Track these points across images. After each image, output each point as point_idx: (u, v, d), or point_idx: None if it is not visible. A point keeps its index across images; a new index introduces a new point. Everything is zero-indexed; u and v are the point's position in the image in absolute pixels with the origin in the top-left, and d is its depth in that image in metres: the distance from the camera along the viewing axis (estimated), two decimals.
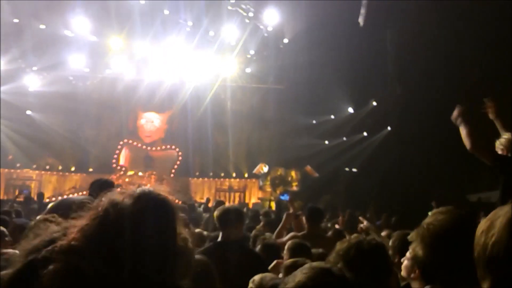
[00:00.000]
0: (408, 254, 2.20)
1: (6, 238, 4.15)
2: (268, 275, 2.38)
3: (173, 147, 18.85)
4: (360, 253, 1.93)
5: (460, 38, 12.90)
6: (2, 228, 4.28)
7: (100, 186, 4.17)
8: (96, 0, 16.01)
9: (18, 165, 17.76)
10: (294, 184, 16.43)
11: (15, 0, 15.57)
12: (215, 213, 3.72)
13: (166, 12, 16.93)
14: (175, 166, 18.60)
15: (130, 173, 17.74)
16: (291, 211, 5.48)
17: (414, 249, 1.75)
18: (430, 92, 14.60)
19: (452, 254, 1.63)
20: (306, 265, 1.28)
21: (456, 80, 13.38)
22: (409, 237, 1.87)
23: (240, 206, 11.56)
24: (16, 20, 16.39)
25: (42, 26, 16.72)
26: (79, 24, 16.39)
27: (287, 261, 3.10)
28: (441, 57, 13.76)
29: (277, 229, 5.13)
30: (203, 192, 18.08)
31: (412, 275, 2.26)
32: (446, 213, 1.75)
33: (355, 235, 2.55)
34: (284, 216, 5.32)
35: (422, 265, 1.72)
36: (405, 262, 2.09)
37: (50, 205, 4.17)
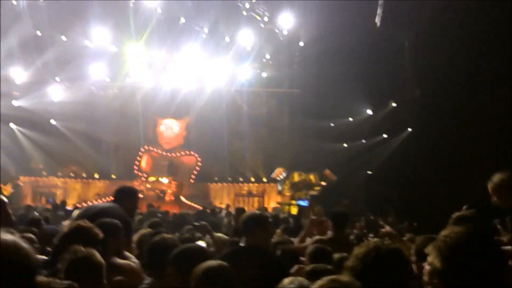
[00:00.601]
0: (429, 259, 2.22)
1: (35, 245, 4.33)
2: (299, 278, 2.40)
3: (192, 153, 19.07)
4: (379, 257, 1.93)
5: (479, 37, 12.73)
6: (31, 235, 4.47)
7: (126, 194, 4.32)
8: (115, 10, 16.33)
9: (44, 173, 18.24)
10: (317, 188, 16.38)
11: (36, 14, 16.00)
12: (240, 219, 3.72)
13: (183, 20, 17.15)
14: (194, 172, 18.81)
15: (151, 179, 18.02)
16: (313, 217, 5.47)
17: (432, 261, 1.79)
18: (450, 93, 14.41)
19: (468, 266, 1.68)
20: (326, 278, 1.25)
21: (476, 81, 13.20)
22: (426, 250, 1.91)
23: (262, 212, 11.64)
24: (38, 33, 16.84)
25: (64, 38, 17.15)
26: (99, 35, 16.77)
27: (307, 267, 3.17)
28: (460, 56, 13.59)
29: (300, 235, 5.10)
30: (222, 197, 18.21)
31: (435, 281, 2.29)
32: (462, 226, 1.80)
33: (374, 239, 2.57)
34: (308, 222, 5.27)
35: (440, 276, 1.77)
36: (426, 267, 2.12)
37: (77, 213, 4.35)
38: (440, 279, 1.80)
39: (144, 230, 4.74)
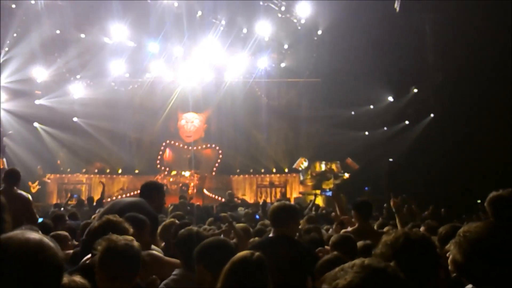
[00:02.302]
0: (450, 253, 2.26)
1: (69, 242, 4.41)
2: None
3: (214, 145, 19.16)
4: (409, 243, 1.97)
5: (502, 20, 12.38)
6: (65, 233, 4.56)
7: (152, 189, 4.36)
8: (132, 7, 16.42)
9: (68, 170, 18.58)
10: (344, 176, 16.27)
11: (55, 13, 16.21)
12: (271, 210, 3.70)
13: (200, 13, 17.15)
14: (216, 165, 18.91)
15: (173, 173, 18.20)
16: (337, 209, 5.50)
17: (454, 256, 1.83)
18: (472, 77, 14.12)
19: (489, 260, 1.72)
20: (358, 262, 1.22)
21: (499, 64, 12.88)
22: (447, 247, 1.95)
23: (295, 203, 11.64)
24: (58, 32, 17.07)
25: (83, 35, 17.36)
26: (117, 32, 16.90)
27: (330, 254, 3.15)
28: (482, 40, 13.27)
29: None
30: (245, 189, 18.27)
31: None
32: (482, 222, 1.86)
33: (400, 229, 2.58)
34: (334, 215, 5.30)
35: (461, 270, 1.80)
36: (451, 256, 2.12)
37: (103, 209, 4.40)
38: (461, 274, 1.84)
39: (168, 221, 4.79)
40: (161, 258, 3.37)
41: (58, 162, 18.78)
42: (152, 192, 4.31)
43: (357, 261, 1.23)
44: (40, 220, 5.77)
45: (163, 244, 4.33)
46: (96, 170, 18.78)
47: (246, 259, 2.24)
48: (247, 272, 2.19)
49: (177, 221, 4.77)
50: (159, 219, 4.42)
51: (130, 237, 2.34)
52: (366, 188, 15.40)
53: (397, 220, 4.78)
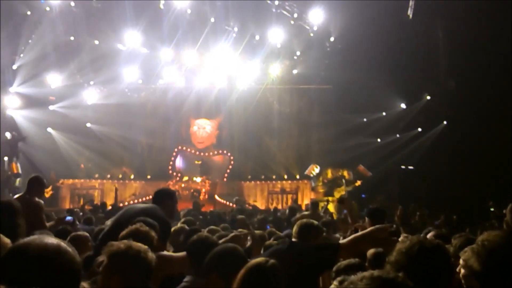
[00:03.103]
0: (461, 261, 2.21)
1: (89, 243, 4.45)
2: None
3: (225, 151, 19.20)
4: (424, 251, 1.96)
5: None
6: (86, 234, 4.59)
7: (164, 196, 4.39)
8: (146, 13, 16.58)
9: (96, 175, 18.75)
10: (357, 183, 16.18)
11: (69, 19, 16.43)
12: (294, 228, 3.79)
13: (212, 20, 17.27)
14: (227, 171, 18.93)
15: (185, 178, 18.26)
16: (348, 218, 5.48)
17: (471, 265, 1.83)
18: (485, 84, 14.00)
19: (507, 269, 1.73)
20: (367, 275, 1.23)
21: None
22: (464, 256, 1.94)
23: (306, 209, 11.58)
24: (71, 38, 17.29)
25: (96, 42, 17.56)
26: (130, 38, 17.07)
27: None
28: (495, 47, 13.16)
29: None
30: (256, 195, 18.24)
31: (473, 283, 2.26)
32: (501, 230, 1.85)
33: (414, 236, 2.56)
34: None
35: (479, 278, 1.79)
36: (462, 271, 2.11)
37: (117, 214, 4.42)
38: (479, 282, 1.83)
39: (177, 226, 4.80)
40: (170, 256, 3.39)
41: (82, 166, 18.96)
42: (164, 198, 4.35)
43: (366, 273, 1.24)
44: (68, 218, 5.83)
45: (171, 250, 4.34)
46: (108, 176, 18.88)
47: (260, 266, 2.23)
48: (262, 279, 2.18)
49: (186, 227, 4.79)
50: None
51: (144, 246, 2.33)
52: (363, 196, 15.32)
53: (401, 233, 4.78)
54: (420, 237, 2.40)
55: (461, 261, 2.10)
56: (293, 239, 3.75)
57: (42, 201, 5.71)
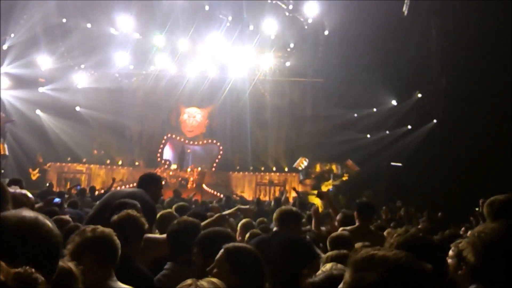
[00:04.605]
0: (451, 252, 2.24)
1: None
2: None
3: (214, 141, 19.16)
4: (409, 242, 2.07)
5: (507, 26, 12.34)
6: (68, 218, 4.55)
7: (150, 180, 4.37)
8: None
9: (68, 159, 18.57)
10: (344, 177, 16.25)
11: (62, 1, 16.17)
12: (274, 216, 3.80)
13: (207, 7, 17.12)
14: (216, 160, 18.90)
15: (173, 166, 18.20)
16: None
17: (466, 256, 1.82)
18: (476, 83, 14.09)
19: (503, 261, 1.71)
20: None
21: (504, 70, 12.84)
22: (460, 246, 1.95)
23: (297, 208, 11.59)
24: (63, 20, 17.04)
25: (89, 25, 17.33)
26: (123, 23, 16.87)
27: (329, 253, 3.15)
28: (487, 46, 13.23)
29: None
30: (244, 186, 18.27)
31: (459, 272, 2.27)
32: (496, 222, 1.83)
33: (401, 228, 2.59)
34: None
35: (473, 270, 1.80)
36: (449, 261, 2.13)
37: (103, 199, 4.38)
38: (473, 274, 1.82)
39: (165, 211, 4.76)
40: (155, 239, 3.38)
41: (95, 152, 18.79)
42: (149, 182, 4.34)
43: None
44: (56, 200, 5.74)
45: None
46: (108, 161, 18.68)
47: (236, 249, 2.21)
48: (238, 262, 2.16)
49: (175, 213, 4.75)
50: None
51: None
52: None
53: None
54: (408, 229, 2.43)
55: (450, 253, 2.13)
56: (275, 228, 3.76)
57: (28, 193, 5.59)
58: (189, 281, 1.76)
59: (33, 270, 1.10)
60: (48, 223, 1.32)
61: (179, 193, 11.06)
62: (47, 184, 13.67)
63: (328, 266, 2.28)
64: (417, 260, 1.21)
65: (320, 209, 10.80)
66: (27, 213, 1.31)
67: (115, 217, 2.78)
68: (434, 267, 1.99)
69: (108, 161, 18.79)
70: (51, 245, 1.30)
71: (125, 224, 2.67)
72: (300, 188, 17.46)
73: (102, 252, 2.21)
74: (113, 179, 12.49)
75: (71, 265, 1.78)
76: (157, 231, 4.37)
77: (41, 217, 1.32)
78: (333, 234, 3.96)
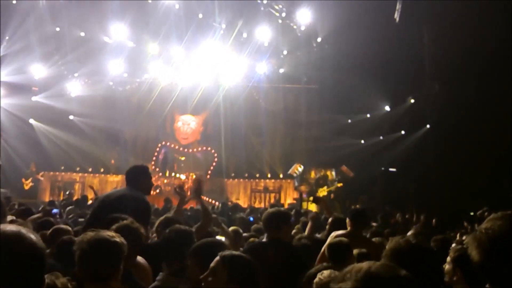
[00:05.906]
0: (448, 258, 2.25)
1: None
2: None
3: (209, 148, 19.13)
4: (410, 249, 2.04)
5: (499, 32, 12.47)
6: (68, 227, 4.53)
7: (138, 174, 4.30)
8: (133, 7, 16.42)
9: (62, 167, 18.45)
10: (339, 184, 16.26)
11: (56, 10, 16.18)
12: (263, 218, 3.75)
13: (200, 15, 17.18)
14: (211, 167, 18.87)
15: (168, 174, 18.15)
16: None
17: (471, 254, 1.70)
18: (469, 88, 14.19)
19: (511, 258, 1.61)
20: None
21: (496, 75, 12.96)
22: (464, 242, 1.91)
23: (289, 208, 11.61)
24: (57, 29, 17.03)
25: (82, 34, 17.32)
26: (117, 31, 16.88)
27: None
28: (480, 51, 13.35)
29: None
30: (239, 193, 18.22)
31: (455, 278, 2.29)
32: (504, 218, 1.69)
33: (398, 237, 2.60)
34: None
35: (479, 269, 1.72)
36: (446, 266, 2.13)
37: (95, 207, 4.36)
38: (479, 272, 1.71)
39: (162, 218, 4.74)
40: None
41: (112, 161, 18.66)
42: (138, 176, 4.26)
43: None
44: (55, 211, 5.70)
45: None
46: (90, 169, 18.65)
47: (232, 258, 2.20)
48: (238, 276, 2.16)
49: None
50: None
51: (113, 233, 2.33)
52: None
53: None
54: (404, 237, 2.42)
55: (448, 259, 2.13)
56: (265, 232, 3.72)
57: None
58: None
59: None
60: (32, 236, 1.30)
61: (170, 201, 11.01)
62: (67, 193, 13.63)
63: (326, 273, 2.28)
64: (393, 267, 1.21)
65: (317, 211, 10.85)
66: (8, 226, 1.30)
67: (113, 227, 2.76)
68: (427, 274, 2.00)
69: (102, 169, 18.69)
70: (34, 258, 1.28)
71: (124, 236, 2.66)
72: (295, 195, 17.49)
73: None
74: (92, 188, 12.22)
75: (57, 281, 1.76)
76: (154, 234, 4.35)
77: (24, 231, 1.31)
78: (332, 241, 3.95)
